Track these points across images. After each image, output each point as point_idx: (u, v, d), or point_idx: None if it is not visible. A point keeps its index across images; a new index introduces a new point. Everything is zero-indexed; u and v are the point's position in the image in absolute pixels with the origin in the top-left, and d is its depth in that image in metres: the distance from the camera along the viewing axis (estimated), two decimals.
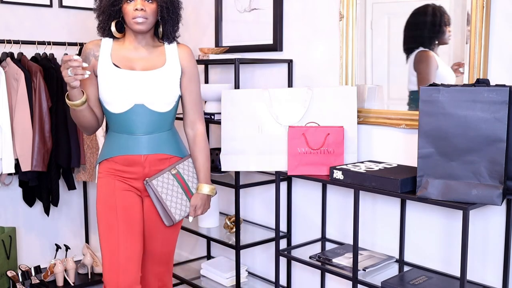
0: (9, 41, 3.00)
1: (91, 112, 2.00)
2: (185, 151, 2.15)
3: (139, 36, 2.00)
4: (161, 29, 2.03)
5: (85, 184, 3.52)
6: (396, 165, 2.24)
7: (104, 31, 2.04)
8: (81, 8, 3.46)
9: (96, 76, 2.01)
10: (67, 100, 1.92)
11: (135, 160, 2.03)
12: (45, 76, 3.04)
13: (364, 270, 2.16)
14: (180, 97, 2.09)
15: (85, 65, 1.81)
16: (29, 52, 3.14)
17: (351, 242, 2.50)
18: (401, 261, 2.32)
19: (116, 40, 2.05)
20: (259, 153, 2.43)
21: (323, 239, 2.63)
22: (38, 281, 3.09)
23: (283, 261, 2.82)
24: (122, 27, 2.04)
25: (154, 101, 2.00)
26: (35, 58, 3.09)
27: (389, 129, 2.36)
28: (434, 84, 1.90)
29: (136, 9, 1.92)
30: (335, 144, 2.27)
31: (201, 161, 2.11)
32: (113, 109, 1.99)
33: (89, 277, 3.24)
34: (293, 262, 2.82)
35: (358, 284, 2.11)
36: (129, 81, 1.97)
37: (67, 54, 1.68)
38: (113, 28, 2.01)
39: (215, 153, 2.94)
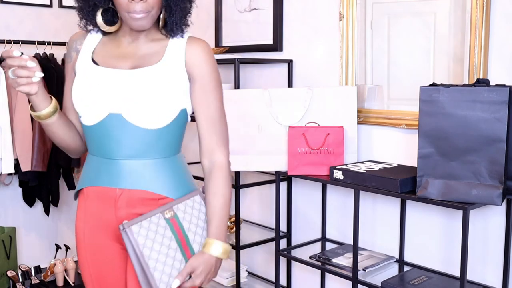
0: (9, 41, 3.00)
1: (67, 127, 1.49)
2: (189, 191, 1.51)
3: (136, 32, 1.47)
4: (161, 16, 1.46)
5: None
6: (396, 165, 2.24)
7: (87, 23, 1.47)
8: None
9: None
10: (30, 111, 1.43)
11: (106, 195, 1.45)
12: (45, 76, 3.04)
13: (364, 270, 2.16)
14: (186, 109, 1.50)
15: (31, 64, 1.28)
16: (29, 52, 3.14)
17: (351, 242, 2.49)
18: (401, 261, 2.32)
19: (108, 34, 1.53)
20: (259, 153, 2.43)
21: (323, 239, 2.63)
22: (38, 281, 3.09)
23: (283, 261, 2.82)
24: (112, 16, 1.48)
25: (136, 111, 1.40)
26: (35, 58, 3.08)
27: (389, 129, 2.35)
28: (434, 84, 1.90)
29: (133, 0, 1.35)
30: (335, 144, 2.27)
31: (216, 207, 1.45)
32: (85, 120, 1.46)
33: None
34: (293, 262, 2.82)
35: (358, 284, 2.11)
36: (103, 82, 1.42)
37: (8, 50, 1.31)
38: (99, 20, 1.45)
39: None
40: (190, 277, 1.41)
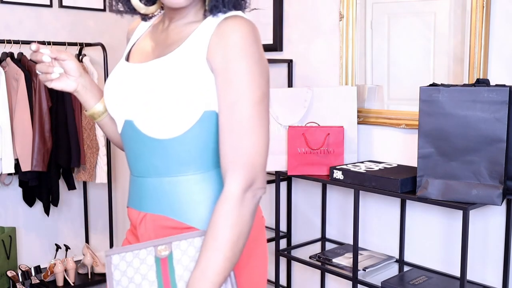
0: (9, 41, 3.00)
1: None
2: None
3: (175, 12, 1.15)
4: None
5: (85, 184, 3.52)
6: (396, 165, 2.24)
7: (118, 2, 1.20)
8: (81, 8, 3.45)
9: None
10: (84, 110, 1.32)
11: (132, 218, 1.20)
12: None
13: (364, 270, 2.16)
14: (212, 112, 1.11)
15: (46, 59, 1.15)
16: (29, 52, 3.14)
17: (351, 242, 2.49)
18: (401, 261, 2.32)
19: (154, 20, 1.26)
20: None
21: (323, 239, 2.63)
22: (38, 281, 3.09)
23: (283, 261, 2.82)
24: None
25: (146, 118, 1.10)
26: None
27: (389, 129, 2.35)
28: (434, 84, 1.90)
29: None
30: (335, 144, 2.27)
31: (207, 246, 1.03)
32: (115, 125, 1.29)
33: (89, 277, 3.24)
34: (293, 262, 2.82)
35: (358, 284, 2.11)
36: (123, 81, 1.16)
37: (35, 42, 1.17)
38: (134, 2, 1.17)
39: None
40: None
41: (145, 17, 1.23)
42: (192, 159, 1.10)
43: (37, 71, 1.17)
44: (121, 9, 1.20)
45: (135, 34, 1.27)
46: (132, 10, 1.20)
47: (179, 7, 1.09)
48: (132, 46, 1.26)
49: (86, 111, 1.27)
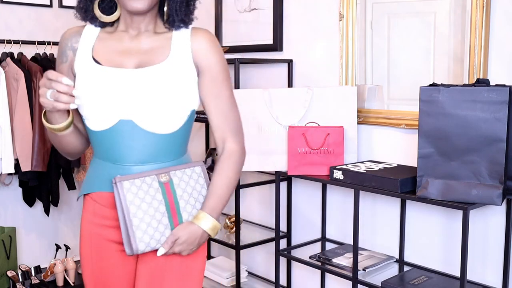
0: (9, 41, 3.00)
1: (78, 134, 1.46)
2: None
3: (137, 19, 1.40)
4: (165, 10, 1.42)
5: None
6: (396, 165, 2.24)
7: (87, 13, 1.41)
8: None
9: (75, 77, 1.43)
10: (44, 122, 1.37)
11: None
12: None
13: (364, 270, 2.16)
14: (195, 109, 1.47)
15: (76, 96, 1.28)
16: (29, 52, 3.14)
17: (351, 242, 2.49)
18: (401, 261, 2.32)
19: (106, 28, 1.46)
20: (259, 153, 2.43)
21: (323, 239, 2.63)
22: (38, 281, 3.09)
23: (283, 261, 2.82)
24: (111, 8, 1.43)
25: (149, 117, 1.36)
26: (35, 58, 3.09)
27: (389, 129, 2.35)
28: (434, 84, 1.90)
29: None
30: (335, 144, 2.27)
31: (217, 185, 1.43)
32: (92, 124, 1.41)
33: None
34: (293, 262, 2.82)
35: (358, 284, 2.11)
36: (113, 84, 1.36)
37: (53, 70, 1.32)
38: (96, 11, 1.41)
39: (215, 153, 2.94)
40: None
41: (102, 24, 1.44)
42: (176, 149, 1.43)
43: (51, 97, 1.26)
44: (89, 20, 1.43)
45: (83, 40, 1.43)
46: (95, 20, 1.43)
47: (139, 12, 1.34)
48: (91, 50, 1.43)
49: (54, 124, 1.36)
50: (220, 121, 1.45)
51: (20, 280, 3.08)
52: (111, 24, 1.46)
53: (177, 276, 1.43)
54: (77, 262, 3.34)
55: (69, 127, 1.39)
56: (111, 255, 1.46)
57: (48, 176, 3.11)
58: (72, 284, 3.13)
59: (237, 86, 2.59)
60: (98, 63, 1.39)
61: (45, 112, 1.37)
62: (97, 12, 1.41)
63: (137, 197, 1.34)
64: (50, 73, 1.27)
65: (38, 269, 3.19)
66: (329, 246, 2.58)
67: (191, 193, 1.41)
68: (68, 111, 1.36)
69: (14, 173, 3.01)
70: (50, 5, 3.33)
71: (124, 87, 1.35)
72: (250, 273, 3.05)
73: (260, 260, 3.05)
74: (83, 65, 1.41)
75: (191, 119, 1.44)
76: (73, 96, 1.28)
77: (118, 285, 1.47)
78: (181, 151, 1.46)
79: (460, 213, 2.08)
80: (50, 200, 3.18)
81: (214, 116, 1.45)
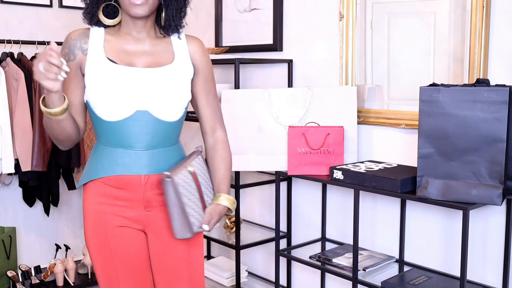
0: (9, 41, 3.00)
1: (72, 122, 1.56)
2: None
3: (139, 23, 1.60)
4: (163, 15, 1.63)
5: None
6: (396, 165, 2.24)
7: (93, 17, 1.61)
8: (81, 8, 3.43)
9: (83, 75, 1.59)
10: (42, 107, 1.46)
11: (133, 182, 1.61)
12: None
13: (364, 270, 2.16)
14: (190, 101, 1.73)
15: (65, 68, 1.37)
16: (29, 52, 3.14)
17: (351, 242, 2.49)
18: (401, 261, 2.32)
19: (109, 30, 1.64)
20: (259, 153, 2.43)
21: (323, 239, 2.63)
22: (38, 281, 3.09)
23: (283, 261, 2.82)
24: (114, 13, 1.63)
25: (162, 108, 1.60)
26: (35, 58, 3.09)
27: (389, 129, 2.35)
28: (434, 84, 1.90)
29: None
30: (335, 144, 2.27)
31: (224, 171, 1.72)
32: (108, 116, 1.57)
33: (89, 277, 3.24)
34: (293, 262, 2.82)
35: (358, 284, 2.11)
36: (130, 81, 1.56)
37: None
38: (101, 16, 1.61)
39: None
40: None
41: (105, 28, 1.64)
42: (176, 135, 1.69)
43: (43, 69, 1.34)
44: (94, 23, 1.63)
45: (93, 41, 1.60)
46: (98, 23, 1.62)
47: (141, 17, 1.56)
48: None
49: (51, 108, 1.45)
50: (210, 113, 1.74)
51: (20, 280, 3.08)
52: (113, 25, 1.65)
53: (186, 258, 1.70)
54: (77, 262, 3.35)
55: (65, 112, 1.48)
56: (132, 235, 1.65)
57: (48, 176, 3.11)
58: (72, 284, 3.13)
59: (237, 86, 2.59)
60: (113, 61, 1.58)
61: (43, 98, 1.45)
62: (101, 16, 1.61)
63: (184, 189, 1.55)
64: (49, 47, 1.35)
65: (38, 269, 3.19)
66: (329, 246, 2.58)
67: (205, 178, 1.67)
68: (63, 97, 1.46)
69: (14, 173, 3.01)
70: (50, 5, 3.33)
71: (139, 83, 1.57)
72: (250, 273, 3.05)
73: (260, 260, 3.05)
74: (98, 64, 1.57)
75: (186, 109, 1.70)
76: (62, 67, 1.36)
77: (125, 256, 1.64)
78: (177, 138, 1.72)
79: (460, 213, 2.08)
80: (50, 200, 3.17)
81: (205, 109, 1.73)
